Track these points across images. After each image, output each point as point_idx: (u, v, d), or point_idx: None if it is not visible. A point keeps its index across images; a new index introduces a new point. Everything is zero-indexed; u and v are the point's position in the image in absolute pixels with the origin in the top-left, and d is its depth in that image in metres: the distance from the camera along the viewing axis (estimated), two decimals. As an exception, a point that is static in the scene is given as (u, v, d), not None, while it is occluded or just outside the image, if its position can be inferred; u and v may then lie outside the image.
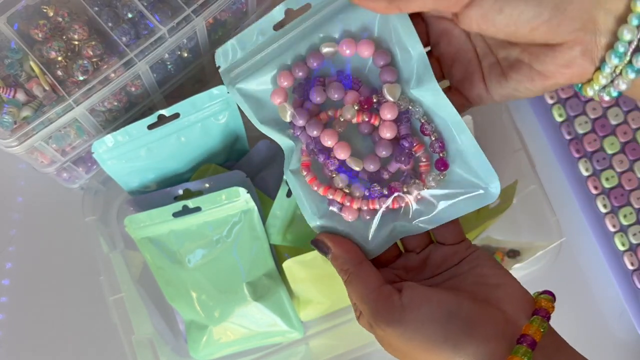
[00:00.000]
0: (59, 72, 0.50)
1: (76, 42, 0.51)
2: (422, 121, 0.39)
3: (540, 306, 0.36)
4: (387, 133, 0.39)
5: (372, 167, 0.39)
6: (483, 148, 0.58)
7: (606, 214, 0.66)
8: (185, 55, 0.57)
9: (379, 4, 0.35)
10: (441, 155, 0.39)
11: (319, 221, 0.40)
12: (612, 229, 0.66)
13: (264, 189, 0.62)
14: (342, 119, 0.39)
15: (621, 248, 0.66)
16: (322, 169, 0.40)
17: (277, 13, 0.41)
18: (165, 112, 0.56)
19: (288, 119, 0.40)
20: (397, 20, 0.38)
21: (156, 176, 0.61)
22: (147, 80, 0.55)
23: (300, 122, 0.39)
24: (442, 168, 0.39)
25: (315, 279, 0.59)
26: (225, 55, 0.42)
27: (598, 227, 0.67)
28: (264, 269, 0.60)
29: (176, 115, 0.56)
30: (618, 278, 0.66)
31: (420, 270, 0.41)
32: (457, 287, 0.38)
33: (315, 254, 0.58)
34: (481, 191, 0.39)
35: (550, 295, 0.37)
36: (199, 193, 0.59)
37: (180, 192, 0.60)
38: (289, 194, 0.60)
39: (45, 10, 0.51)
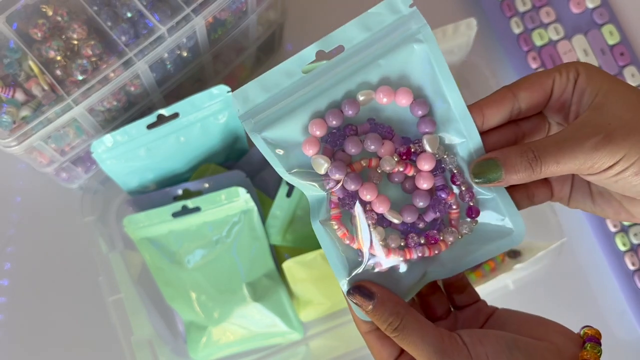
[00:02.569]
0: (58, 72, 0.50)
1: (75, 42, 0.51)
2: (455, 171, 0.38)
3: (588, 334, 0.37)
4: (424, 184, 0.38)
5: (410, 219, 0.38)
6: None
7: (607, 214, 0.66)
8: (185, 54, 0.57)
9: (520, 175, 0.35)
10: (471, 204, 0.38)
11: (347, 276, 0.38)
12: (613, 229, 0.66)
13: (264, 189, 0.62)
14: (379, 171, 0.37)
15: (622, 248, 0.65)
16: (352, 220, 0.38)
17: (308, 54, 0.37)
18: (164, 111, 0.55)
19: (323, 172, 0.37)
20: (439, 71, 0.38)
21: (155, 176, 0.60)
22: (146, 80, 0.55)
23: (337, 176, 0.37)
24: (474, 215, 0.39)
25: (316, 279, 0.59)
26: (245, 98, 0.37)
27: (599, 227, 0.67)
28: (263, 270, 0.60)
29: (175, 115, 0.56)
30: (619, 278, 0.66)
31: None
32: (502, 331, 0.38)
33: (315, 254, 0.57)
34: (508, 235, 0.39)
35: (593, 327, 0.38)
36: (199, 193, 0.59)
37: (180, 192, 0.60)
38: (289, 194, 0.60)
39: (44, 10, 0.50)
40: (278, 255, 0.61)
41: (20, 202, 0.66)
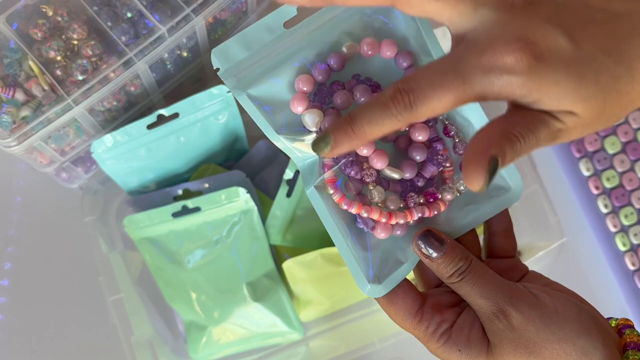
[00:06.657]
0: (58, 72, 0.50)
1: (75, 42, 0.51)
2: (446, 122, 0.37)
3: (621, 324, 0.36)
4: (420, 136, 0.36)
5: (408, 175, 0.36)
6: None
7: (607, 214, 0.66)
8: (185, 54, 0.57)
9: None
10: None
11: (349, 244, 0.36)
12: (613, 229, 0.66)
13: (264, 189, 0.62)
14: None
15: (622, 248, 0.65)
16: (346, 184, 0.36)
17: (290, 9, 0.36)
18: (164, 111, 0.55)
19: (314, 128, 0.35)
20: (420, 25, 0.37)
21: (155, 176, 0.60)
22: (146, 80, 0.55)
23: None
24: None
25: (315, 279, 0.59)
26: (225, 55, 0.35)
27: (599, 227, 0.67)
28: (263, 270, 0.60)
29: (175, 115, 0.56)
30: (619, 278, 0.66)
31: None
32: None
33: (315, 254, 0.57)
34: (506, 192, 0.38)
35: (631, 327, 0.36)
36: (199, 193, 0.59)
37: (180, 192, 0.60)
38: (289, 193, 0.60)
39: (44, 10, 0.51)
40: (278, 255, 0.61)
41: (20, 202, 0.67)
